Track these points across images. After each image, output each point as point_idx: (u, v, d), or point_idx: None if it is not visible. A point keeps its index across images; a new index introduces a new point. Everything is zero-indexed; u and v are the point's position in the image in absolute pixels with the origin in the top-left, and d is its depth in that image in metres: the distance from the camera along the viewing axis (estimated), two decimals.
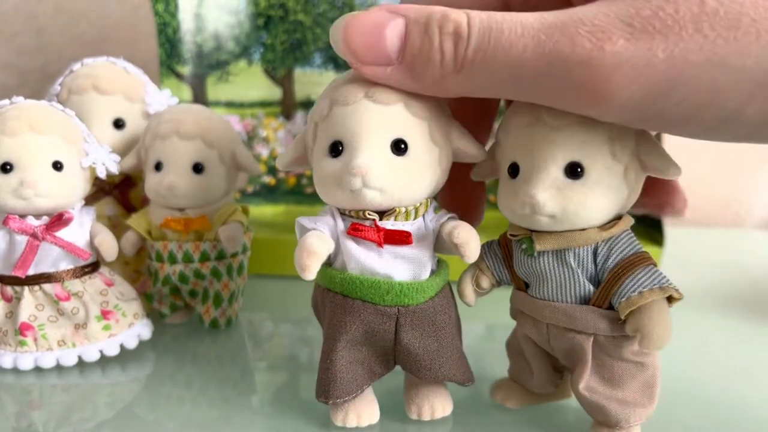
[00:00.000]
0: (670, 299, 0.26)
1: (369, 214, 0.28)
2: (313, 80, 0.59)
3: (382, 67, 0.25)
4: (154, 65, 0.57)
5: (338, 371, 0.29)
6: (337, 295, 0.29)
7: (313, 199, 0.61)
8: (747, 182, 0.78)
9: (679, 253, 0.53)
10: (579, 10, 0.22)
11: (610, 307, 0.27)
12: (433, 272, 0.29)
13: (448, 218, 0.29)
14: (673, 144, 0.32)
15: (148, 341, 0.39)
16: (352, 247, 0.28)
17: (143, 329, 0.39)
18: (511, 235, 0.29)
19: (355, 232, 0.28)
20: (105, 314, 0.37)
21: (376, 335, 0.29)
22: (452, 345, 0.30)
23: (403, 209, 0.28)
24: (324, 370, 0.29)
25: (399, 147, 0.27)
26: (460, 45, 0.23)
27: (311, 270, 0.27)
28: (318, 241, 0.27)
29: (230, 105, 0.60)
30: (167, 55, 0.58)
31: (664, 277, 0.26)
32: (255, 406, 0.33)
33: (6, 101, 0.36)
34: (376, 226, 0.28)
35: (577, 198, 0.26)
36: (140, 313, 0.39)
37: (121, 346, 0.38)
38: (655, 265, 0.27)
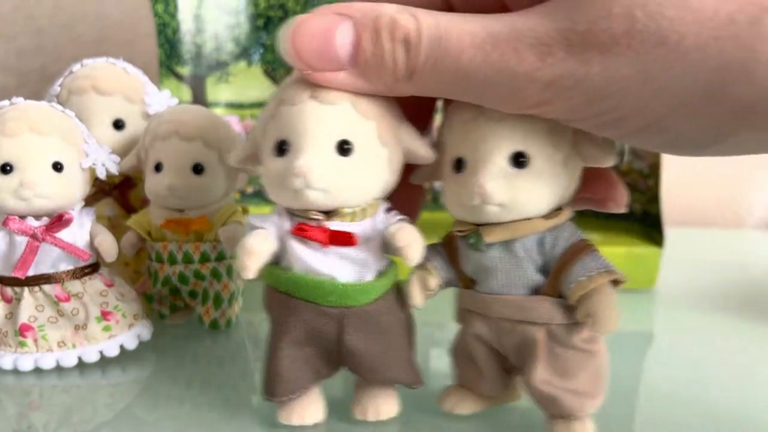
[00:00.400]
0: (615, 283, 0.27)
1: (314, 215, 0.28)
2: None
3: (333, 74, 0.25)
4: (153, 66, 0.57)
5: (282, 370, 0.29)
6: (282, 295, 0.29)
7: None
8: (747, 182, 0.78)
9: (679, 253, 0.53)
10: (520, 21, 0.23)
11: (560, 297, 0.27)
12: (379, 273, 0.29)
13: (398, 220, 0.29)
14: None
15: (148, 342, 0.39)
16: (297, 247, 0.28)
17: (143, 330, 0.39)
18: (457, 231, 0.29)
19: (300, 231, 0.28)
20: (105, 315, 0.37)
21: (319, 335, 0.29)
22: (399, 347, 0.29)
23: (349, 210, 0.28)
24: (268, 369, 0.29)
25: (343, 148, 0.27)
26: (411, 52, 0.24)
27: (251, 269, 0.27)
28: (259, 240, 0.28)
29: (230, 106, 0.60)
30: (167, 56, 0.58)
31: (608, 261, 0.27)
32: (255, 407, 0.33)
33: (5, 102, 0.36)
34: (321, 226, 0.28)
35: (524, 186, 0.26)
36: (140, 313, 0.39)
37: (121, 347, 0.38)
38: (598, 251, 0.27)
